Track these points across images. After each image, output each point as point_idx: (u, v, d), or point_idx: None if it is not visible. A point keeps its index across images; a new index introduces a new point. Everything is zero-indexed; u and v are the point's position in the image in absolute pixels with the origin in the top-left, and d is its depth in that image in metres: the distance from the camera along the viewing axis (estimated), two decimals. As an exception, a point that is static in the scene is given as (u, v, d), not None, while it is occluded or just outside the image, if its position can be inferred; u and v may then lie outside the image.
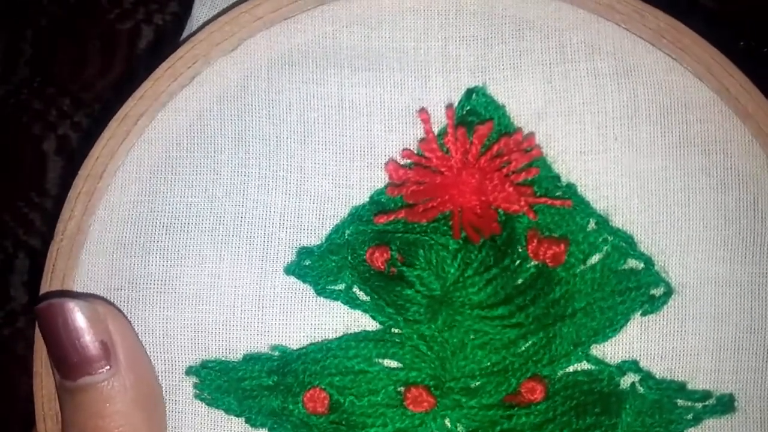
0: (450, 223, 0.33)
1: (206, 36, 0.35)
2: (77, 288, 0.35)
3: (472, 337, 0.33)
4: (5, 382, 0.73)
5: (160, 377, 0.35)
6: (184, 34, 0.40)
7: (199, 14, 0.39)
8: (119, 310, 0.34)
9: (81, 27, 0.78)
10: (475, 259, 0.33)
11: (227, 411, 0.34)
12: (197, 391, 0.34)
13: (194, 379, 0.34)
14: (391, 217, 0.33)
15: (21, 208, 0.75)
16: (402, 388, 0.33)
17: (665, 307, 0.33)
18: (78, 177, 0.36)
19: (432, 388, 0.32)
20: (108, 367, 0.31)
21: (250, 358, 0.34)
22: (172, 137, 0.35)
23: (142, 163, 0.35)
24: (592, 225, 0.34)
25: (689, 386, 0.33)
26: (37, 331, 0.35)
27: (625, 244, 0.33)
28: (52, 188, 0.75)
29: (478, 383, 0.33)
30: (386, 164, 0.34)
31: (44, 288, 0.35)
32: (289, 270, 0.34)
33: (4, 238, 0.76)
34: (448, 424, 0.33)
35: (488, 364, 0.33)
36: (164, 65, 0.35)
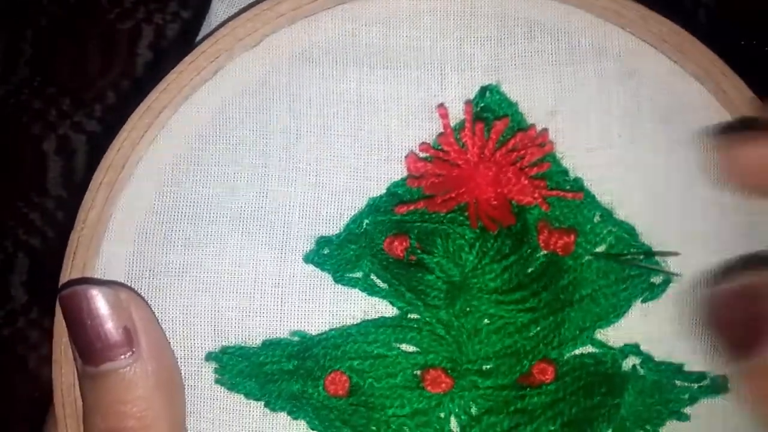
0: (467, 213, 0.35)
1: (229, 31, 0.36)
2: (98, 276, 0.36)
3: (487, 321, 0.35)
4: (5, 382, 0.72)
5: (180, 363, 0.35)
6: (203, 30, 0.41)
7: (217, 10, 0.40)
8: (141, 297, 0.35)
9: (81, 27, 0.78)
10: (491, 247, 0.34)
11: (247, 395, 0.35)
12: (218, 376, 0.35)
13: (214, 365, 0.35)
14: (411, 208, 0.35)
15: (21, 208, 0.75)
16: (419, 371, 0.34)
17: (664, 294, 0.35)
18: (99, 168, 0.36)
19: (449, 371, 0.34)
20: (130, 353, 0.32)
21: (270, 344, 0.35)
22: (194, 129, 0.36)
23: (164, 155, 0.36)
24: (597, 217, 0.36)
25: (686, 368, 0.35)
26: (56, 319, 0.35)
27: (628, 235, 0.35)
28: (52, 188, 0.75)
29: (492, 365, 0.35)
30: (406, 157, 0.36)
31: (64, 277, 0.36)
32: (309, 258, 0.35)
33: (4, 238, 0.75)
34: (464, 404, 0.35)
35: (502, 347, 0.34)
36: (188, 59, 0.36)
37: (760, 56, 0.68)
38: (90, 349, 0.32)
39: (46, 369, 0.71)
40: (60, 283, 0.36)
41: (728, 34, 0.68)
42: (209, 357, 0.35)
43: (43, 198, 0.74)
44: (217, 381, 0.35)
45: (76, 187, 0.76)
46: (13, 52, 0.78)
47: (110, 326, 0.32)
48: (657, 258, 0.35)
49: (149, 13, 0.78)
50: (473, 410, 0.35)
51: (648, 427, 0.35)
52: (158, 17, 0.78)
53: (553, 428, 0.34)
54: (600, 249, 0.36)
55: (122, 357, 0.32)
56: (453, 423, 0.35)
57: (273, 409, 0.35)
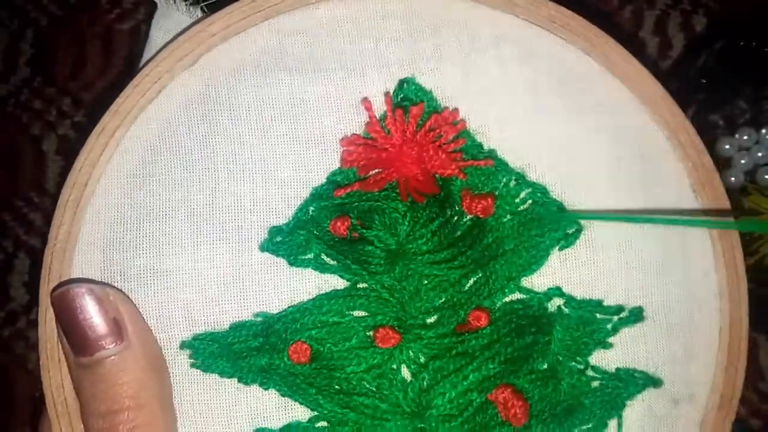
0: (397, 190, 0.39)
1: (168, 54, 0.40)
2: (73, 285, 0.39)
3: (425, 282, 0.39)
4: (5, 382, 0.73)
5: (158, 354, 0.39)
6: (144, 56, 0.45)
7: (156, 38, 0.44)
8: (123, 292, 0.38)
9: (81, 27, 0.78)
10: (421, 216, 0.39)
11: (221, 374, 0.39)
12: (192, 360, 0.39)
13: (188, 352, 0.39)
14: (348, 190, 0.39)
15: (21, 208, 0.75)
16: (371, 332, 0.38)
17: (578, 241, 0.40)
18: (65, 186, 0.40)
19: (396, 328, 0.38)
20: (120, 341, 0.36)
21: (237, 326, 0.39)
22: (146, 144, 0.40)
23: (122, 170, 0.40)
24: (513, 182, 0.40)
25: (605, 303, 0.40)
26: (41, 327, 0.39)
27: (540, 194, 0.40)
28: (52, 188, 0.75)
29: (433, 318, 0.39)
30: (341, 140, 0.40)
31: (43, 289, 0.39)
32: (264, 247, 0.39)
33: (4, 238, 0.75)
34: (412, 354, 0.39)
35: (440, 302, 0.39)
36: (133, 83, 0.40)
37: (760, 56, 0.70)
38: (84, 340, 0.36)
39: None
40: (40, 296, 0.39)
41: (728, 34, 0.72)
42: (183, 345, 0.39)
43: (43, 198, 0.75)
44: (192, 365, 0.39)
45: None
46: (13, 52, 0.78)
47: (101, 318, 0.36)
48: (567, 209, 0.40)
49: (149, 14, 0.79)
50: (421, 359, 0.39)
51: (578, 358, 0.40)
52: None
53: (492, 366, 0.38)
54: (518, 208, 0.40)
55: (113, 345, 0.36)
56: (404, 371, 0.39)
57: (245, 383, 0.39)
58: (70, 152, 0.77)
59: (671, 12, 0.81)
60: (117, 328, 0.36)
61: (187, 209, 0.40)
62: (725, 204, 0.41)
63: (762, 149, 0.71)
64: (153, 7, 0.45)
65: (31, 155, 0.78)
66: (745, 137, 0.72)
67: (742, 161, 0.72)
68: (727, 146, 0.72)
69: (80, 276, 0.39)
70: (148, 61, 0.41)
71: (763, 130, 0.72)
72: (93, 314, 0.36)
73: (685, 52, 0.79)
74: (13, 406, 0.73)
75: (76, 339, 0.36)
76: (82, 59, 0.79)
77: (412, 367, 0.39)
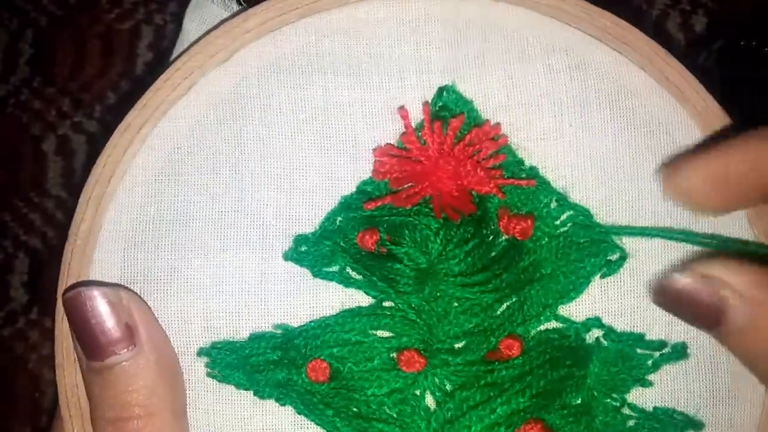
0: (431, 205, 0.37)
1: (201, 49, 0.39)
2: (92, 284, 0.38)
3: (455, 304, 0.37)
4: (5, 382, 0.74)
5: (173, 359, 0.38)
6: (177, 49, 0.43)
7: (189, 29, 0.43)
8: (138, 295, 0.37)
9: (81, 27, 0.78)
10: (454, 235, 0.37)
11: (237, 386, 0.37)
12: (209, 370, 0.37)
13: (205, 360, 0.38)
14: (379, 203, 0.37)
15: (21, 208, 0.76)
16: (395, 354, 0.37)
17: (621, 270, 0.38)
18: (87, 183, 0.39)
19: (422, 351, 0.36)
20: (132, 346, 0.35)
21: (256, 337, 0.38)
22: (173, 142, 0.39)
23: (147, 168, 0.39)
24: (554, 203, 0.38)
25: (647, 337, 0.38)
26: (57, 324, 0.38)
27: (583, 217, 0.38)
28: (52, 188, 0.75)
29: (462, 344, 0.37)
30: (373, 150, 0.38)
31: (61, 286, 0.38)
32: (287, 256, 0.38)
33: (4, 238, 0.75)
34: (437, 381, 0.37)
35: (470, 326, 0.37)
36: (163, 77, 0.39)
37: (760, 56, 0.68)
38: (95, 345, 0.35)
39: (46, 369, 0.72)
40: (58, 293, 0.38)
41: (728, 34, 0.70)
42: (200, 353, 0.38)
43: (43, 198, 0.75)
44: (208, 374, 0.38)
45: (76, 188, 0.75)
46: (13, 52, 0.78)
47: (113, 322, 0.35)
48: (612, 236, 0.38)
49: (149, 14, 0.78)
50: (447, 386, 0.37)
51: (614, 394, 0.37)
52: (158, 18, 0.77)
53: (522, 400, 0.36)
54: (558, 231, 0.38)
55: (125, 350, 0.35)
56: (429, 399, 0.37)
57: (261, 397, 0.37)
58: (70, 152, 0.77)
59: (671, 12, 0.80)
60: (129, 333, 0.35)
61: (212, 212, 0.38)
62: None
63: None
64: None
65: (31, 155, 0.78)
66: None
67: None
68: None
69: (99, 275, 0.38)
70: (180, 54, 0.40)
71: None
72: (105, 318, 0.35)
73: (684, 52, 0.78)
74: (13, 406, 0.73)
75: (87, 343, 0.35)
76: (82, 59, 0.79)
77: (437, 394, 0.37)
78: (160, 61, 0.77)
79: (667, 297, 0.33)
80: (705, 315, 0.32)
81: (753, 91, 0.67)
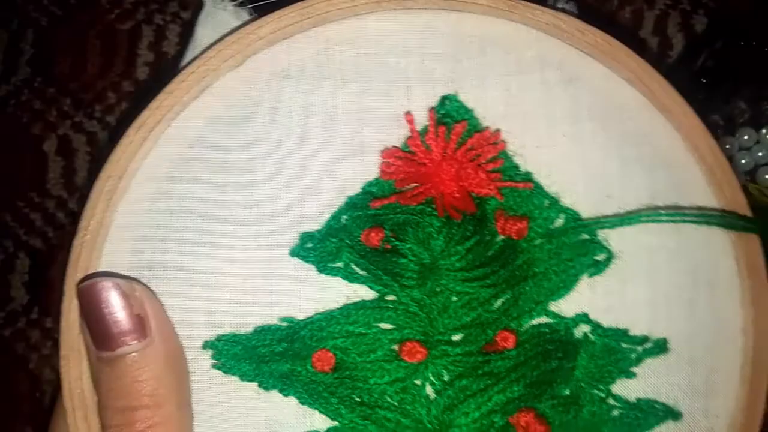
0: (434, 205, 0.39)
1: (215, 53, 0.40)
2: (101, 277, 0.39)
3: (454, 298, 0.39)
4: (6, 382, 0.72)
5: (179, 351, 0.39)
6: (189, 53, 0.45)
7: (202, 36, 0.45)
8: (149, 288, 0.38)
9: (81, 28, 0.77)
10: (456, 232, 0.39)
11: (242, 377, 0.38)
12: (214, 361, 0.38)
13: (210, 352, 0.39)
14: (385, 202, 0.39)
15: (21, 208, 0.75)
16: (396, 346, 0.38)
17: (607, 269, 0.40)
18: (99, 178, 0.40)
19: (423, 342, 0.38)
20: (143, 337, 0.36)
21: (261, 330, 0.39)
22: (185, 142, 0.40)
23: (159, 165, 0.40)
24: (546, 205, 0.41)
25: (630, 333, 0.40)
26: (63, 317, 0.38)
27: (573, 219, 0.40)
28: (53, 188, 0.74)
29: (461, 336, 0.39)
30: (381, 152, 0.40)
31: (69, 279, 0.39)
32: (294, 252, 0.39)
33: (4, 238, 0.74)
34: (437, 371, 0.39)
35: (468, 320, 0.39)
36: (178, 79, 0.40)
37: (760, 56, 0.69)
38: (106, 335, 0.35)
39: (47, 369, 0.71)
40: (66, 285, 0.39)
41: (728, 34, 0.71)
42: (206, 345, 0.39)
43: (44, 198, 0.74)
44: (213, 366, 0.38)
45: (77, 188, 0.75)
46: (13, 52, 0.77)
47: (126, 313, 0.36)
48: (599, 238, 0.40)
49: (149, 14, 0.77)
50: (446, 376, 0.39)
51: (601, 386, 0.40)
52: (158, 18, 0.77)
53: (517, 389, 0.38)
54: (552, 233, 0.41)
55: (136, 341, 0.35)
56: (428, 388, 0.39)
57: (266, 388, 0.38)
58: (70, 152, 0.76)
59: (671, 12, 0.80)
60: (140, 325, 0.36)
61: (222, 210, 0.40)
62: (757, 243, 0.41)
63: (762, 149, 0.71)
64: (199, 6, 0.45)
65: (31, 155, 0.77)
66: (745, 137, 0.71)
67: (743, 161, 0.71)
68: (727, 146, 0.71)
69: (108, 268, 0.39)
70: (194, 58, 0.41)
71: (763, 130, 0.71)
72: (118, 309, 0.36)
73: (684, 52, 0.78)
74: (13, 406, 0.72)
75: (99, 333, 0.36)
76: (82, 59, 0.78)
77: (437, 383, 0.39)
78: (161, 61, 0.77)
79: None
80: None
81: (753, 91, 0.70)
